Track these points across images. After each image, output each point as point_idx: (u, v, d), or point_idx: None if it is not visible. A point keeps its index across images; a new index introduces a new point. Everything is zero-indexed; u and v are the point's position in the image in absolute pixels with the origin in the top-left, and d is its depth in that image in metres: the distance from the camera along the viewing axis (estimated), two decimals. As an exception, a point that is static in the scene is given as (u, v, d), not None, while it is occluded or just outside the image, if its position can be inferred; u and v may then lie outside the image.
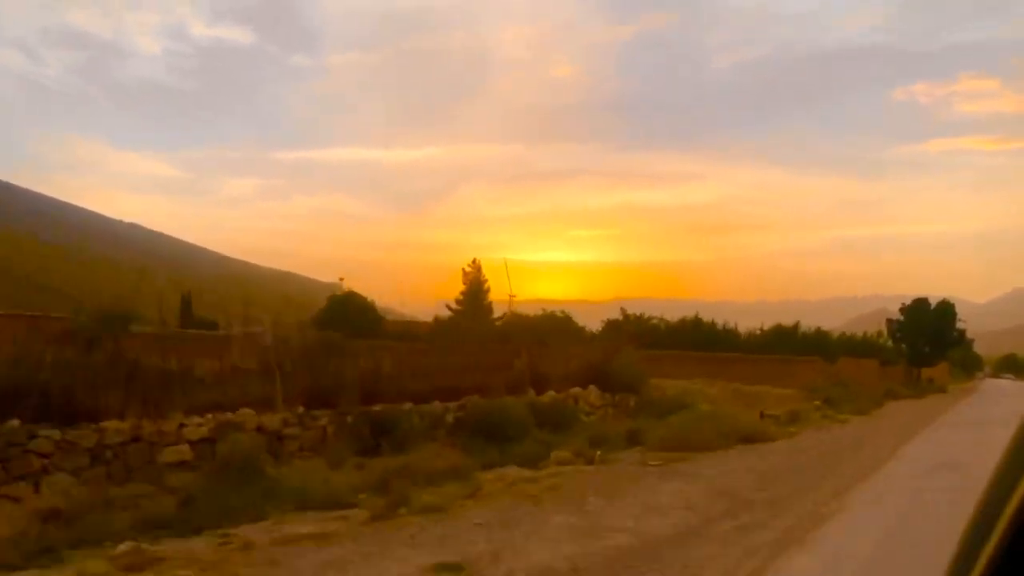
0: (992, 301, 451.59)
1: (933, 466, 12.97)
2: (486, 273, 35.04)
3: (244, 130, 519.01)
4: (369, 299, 29.77)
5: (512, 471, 11.29)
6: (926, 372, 63.77)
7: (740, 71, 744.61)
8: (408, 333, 24.98)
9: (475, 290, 36.37)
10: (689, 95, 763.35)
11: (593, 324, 36.67)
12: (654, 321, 43.93)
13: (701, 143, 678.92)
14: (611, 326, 39.33)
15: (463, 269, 35.60)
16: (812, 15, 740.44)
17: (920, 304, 56.08)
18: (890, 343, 57.06)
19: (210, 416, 10.85)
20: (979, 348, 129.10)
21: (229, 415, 11.10)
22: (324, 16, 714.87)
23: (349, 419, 12.52)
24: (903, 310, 57.00)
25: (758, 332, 47.86)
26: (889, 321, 58.04)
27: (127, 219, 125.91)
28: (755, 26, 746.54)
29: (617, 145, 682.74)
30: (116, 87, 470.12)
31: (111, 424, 9.91)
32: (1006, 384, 74.72)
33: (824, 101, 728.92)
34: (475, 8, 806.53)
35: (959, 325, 56.78)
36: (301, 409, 12.17)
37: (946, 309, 55.62)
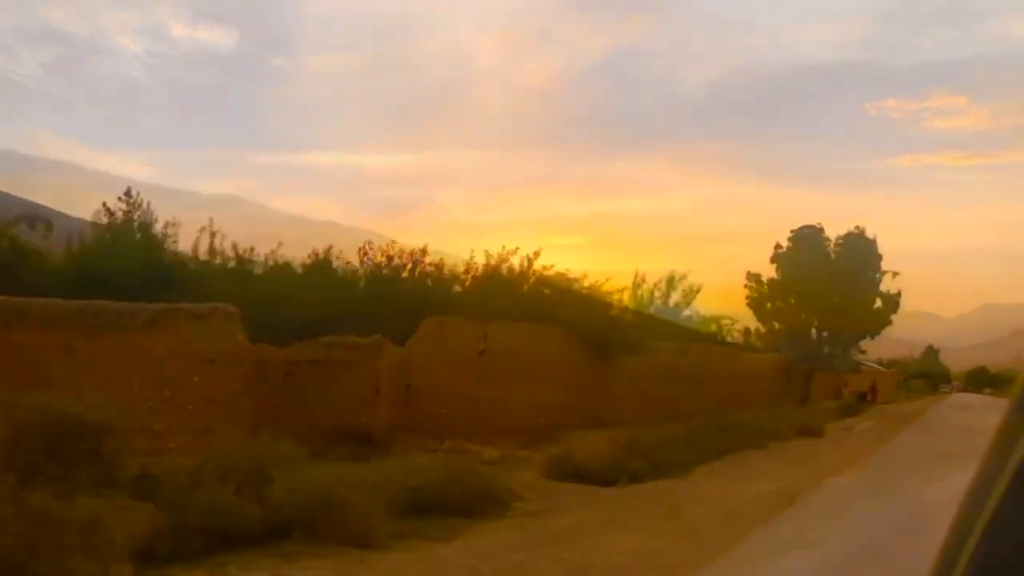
0: (962, 316, 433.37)
1: None
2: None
3: (221, 132, 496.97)
4: None
5: None
6: (854, 381, 35.32)
7: (714, 82, 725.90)
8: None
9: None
10: (664, 105, 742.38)
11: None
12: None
13: (675, 153, 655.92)
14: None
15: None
16: (785, 29, 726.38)
17: (807, 239, 27.35)
18: (736, 323, 27.98)
19: None
20: (948, 363, 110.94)
21: None
22: (302, 19, 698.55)
23: None
24: (775, 257, 28.35)
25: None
26: (751, 277, 29.31)
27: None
28: (729, 38, 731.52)
29: (592, 153, 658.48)
30: (93, 86, 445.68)
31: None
32: (978, 404, 45.20)
33: (797, 114, 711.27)
34: (452, 15, 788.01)
35: (886, 288, 28.13)
36: None
37: (858, 246, 26.83)
